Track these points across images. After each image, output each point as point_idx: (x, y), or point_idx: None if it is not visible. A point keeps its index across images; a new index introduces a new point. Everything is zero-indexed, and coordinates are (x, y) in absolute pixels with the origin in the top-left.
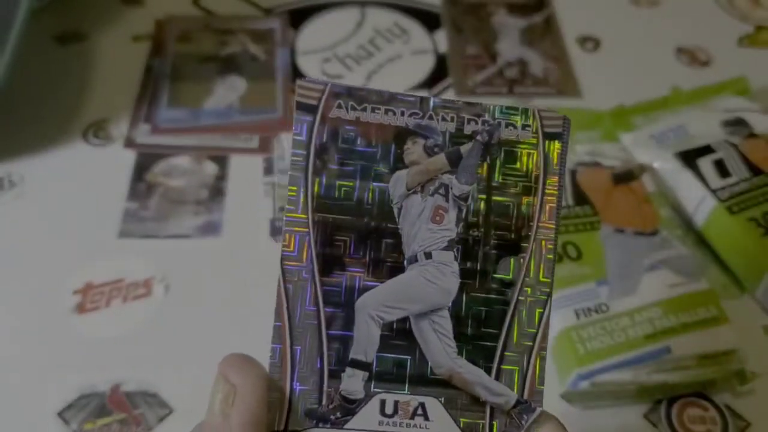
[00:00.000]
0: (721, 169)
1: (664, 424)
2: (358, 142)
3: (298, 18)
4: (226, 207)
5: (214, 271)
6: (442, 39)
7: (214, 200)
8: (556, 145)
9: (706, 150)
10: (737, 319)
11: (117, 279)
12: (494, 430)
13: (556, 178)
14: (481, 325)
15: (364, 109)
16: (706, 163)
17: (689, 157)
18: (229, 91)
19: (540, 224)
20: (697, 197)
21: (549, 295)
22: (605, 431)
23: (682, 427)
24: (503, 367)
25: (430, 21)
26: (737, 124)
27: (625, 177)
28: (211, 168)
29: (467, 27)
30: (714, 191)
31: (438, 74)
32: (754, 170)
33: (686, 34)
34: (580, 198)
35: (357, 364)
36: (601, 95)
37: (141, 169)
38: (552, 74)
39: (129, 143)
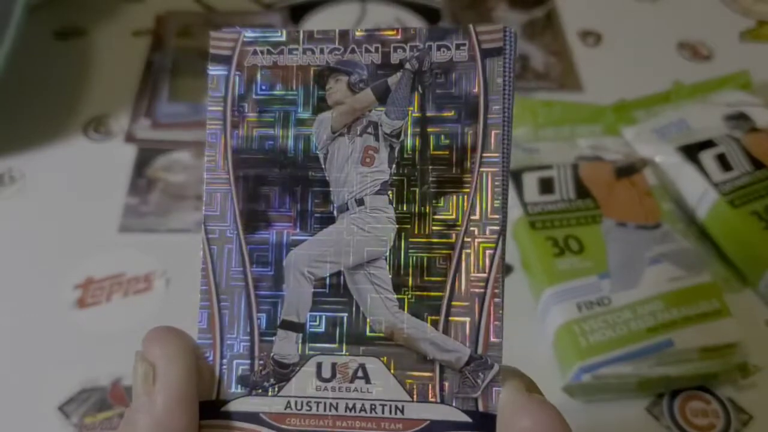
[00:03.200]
0: (723, 163)
1: (666, 417)
2: (277, 88)
3: (298, 13)
4: None
5: None
6: None
7: None
8: (498, 62)
9: (708, 144)
10: (739, 312)
11: (117, 274)
12: (446, 390)
13: (500, 100)
14: (423, 274)
15: (281, 52)
16: (708, 157)
17: (691, 151)
18: None
19: (484, 154)
20: (699, 191)
21: (500, 233)
22: (607, 425)
23: (685, 420)
24: (452, 319)
25: (430, 16)
26: (739, 118)
27: (627, 171)
28: None
29: (468, 22)
30: (716, 185)
31: None
32: (756, 164)
33: (688, 28)
34: (582, 191)
35: (289, 326)
36: (603, 90)
37: (141, 164)
38: (553, 69)
39: (129, 138)
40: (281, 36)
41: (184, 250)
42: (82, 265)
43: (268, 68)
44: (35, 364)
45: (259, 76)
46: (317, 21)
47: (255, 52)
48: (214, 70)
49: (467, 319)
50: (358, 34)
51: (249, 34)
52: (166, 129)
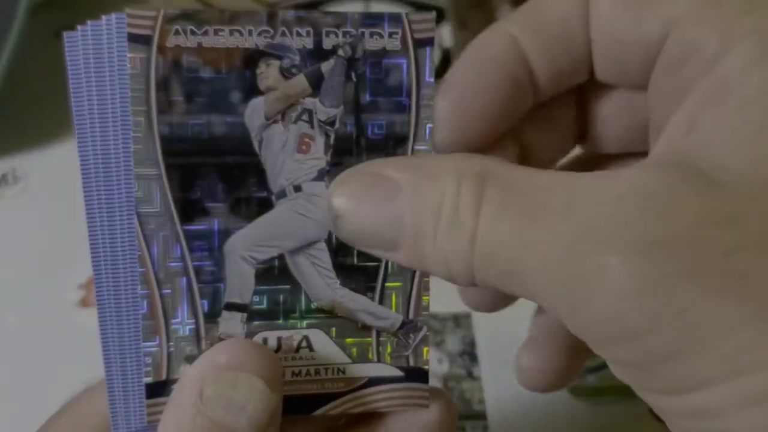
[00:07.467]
0: None
1: None
2: (205, 71)
3: None
4: None
5: None
6: (446, 33)
7: None
8: (431, 52)
9: None
10: None
11: None
12: (382, 352)
13: (431, 91)
14: (361, 254)
15: (206, 33)
16: None
17: None
18: None
19: (416, 144)
20: None
21: None
22: (612, 426)
23: None
24: (386, 291)
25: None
26: None
27: None
28: None
29: (472, 21)
30: None
31: (443, 69)
32: None
33: None
34: None
35: (233, 307)
36: None
37: None
38: None
39: None
40: (204, 15)
41: None
42: (86, 264)
43: (193, 50)
44: (39, 363)
45: (183, 59)
46: None
47: (177, 32)
48: (133, 52)
49: (400, 292)
50: (287, 14)
51: (169, 12)
52: None
